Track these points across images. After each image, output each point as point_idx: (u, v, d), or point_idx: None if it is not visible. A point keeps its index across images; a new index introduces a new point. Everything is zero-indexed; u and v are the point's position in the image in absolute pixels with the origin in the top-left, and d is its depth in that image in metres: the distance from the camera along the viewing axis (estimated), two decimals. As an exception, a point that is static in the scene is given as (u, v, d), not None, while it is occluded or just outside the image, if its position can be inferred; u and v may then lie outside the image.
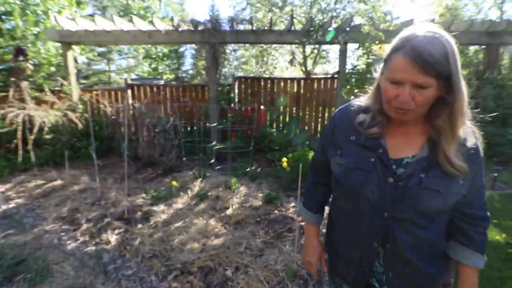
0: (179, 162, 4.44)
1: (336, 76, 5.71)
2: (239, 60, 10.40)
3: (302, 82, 5.99)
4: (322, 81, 5.90)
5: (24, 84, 4.75)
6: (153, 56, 14.27)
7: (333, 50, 9.20)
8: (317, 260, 1.06)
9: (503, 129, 4.47)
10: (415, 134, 0.79)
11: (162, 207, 3.05)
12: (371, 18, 4.34)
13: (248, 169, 4.20)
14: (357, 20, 4.87)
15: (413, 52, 0.65)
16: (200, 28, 5.08)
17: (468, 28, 4.88)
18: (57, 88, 5.50)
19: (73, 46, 5.89)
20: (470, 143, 0.75)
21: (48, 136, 4.46)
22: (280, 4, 7.31)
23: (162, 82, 12.02)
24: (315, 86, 5.88)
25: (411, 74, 0.66)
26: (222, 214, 2.87)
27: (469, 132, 0.76)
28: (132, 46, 12.90)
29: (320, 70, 11.21)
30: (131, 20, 5.14)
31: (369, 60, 4.38)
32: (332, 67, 10.33)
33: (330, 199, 1.01)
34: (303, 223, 2.54)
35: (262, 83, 5.99)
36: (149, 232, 2.55)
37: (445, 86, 0.68)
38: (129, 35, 5.20)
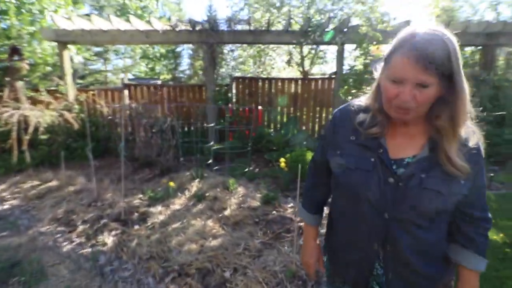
0: (177, 162, 4.42)
1: (333, 76, 5.73)
2: (237, 60, 10.38)
3: (299, 82, 5.99)
4: (320, 82, 5.91)
5: (19, 84, 4.69)
6: (150, 56, 14.21)
7: (331, 51, 9.22)
8: (316, 261, 1.05)
9: (499, 129, 4.50)
10: (416, 134, 0.79)
11: (159, 208, 3.02)
12: (369, 19, 4.35)
13: (246, 170, 4.19)
14: (355, 21, 4.87)
15: (415, 50, 0.64)
16: (197, 28, 5.06)
17: (465, 30, 4.91)
18: (53, 88, 5.45)
19: (69, 46, 5.83)
20: (471, 143, 0.75)
21: (43, 137, 4.41)
22: (278, 4, 7.32)
23: (159, 82, 11.96)
24: (313, 86, 5.89)
25: (412, 73, 0.65)
26: (220, 215, 2.85)
27: (470, 132, 0.76)
28: (129, 46, 12.85)
29: (317, 71, 11.24)
30: (128, 20, 5.11)
31: (367, 61, 4.40)
32: (329, 67, 10.36)
33: (330, 200, 1.00)
34: (301, 224, 2.54)
35: (260, 83, 5.99)
36: (146, 234, 2.53)
37: (446, 85, 0.67)
38: (126, 35, 5.16)
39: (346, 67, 5.12)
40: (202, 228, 2.58)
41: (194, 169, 3.87)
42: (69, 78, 5.38)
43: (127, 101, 5.71)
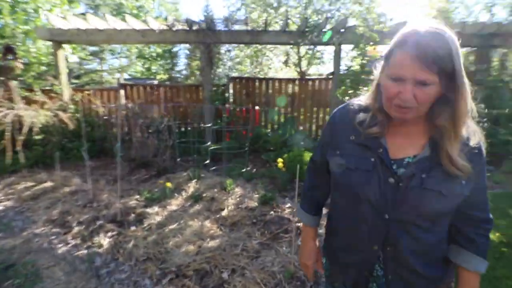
0: (173, 163, 4.39)
1: (330, 77, 5.74)
2: (234, 61, 10.36)
3: (297, 82, 6.00)
4: (317, 82, 5.92)
5: (13, 83, 4.63)
6: (146, 56, 14.12)
7: (328, 51, 9.25)
8: (314, 262, 1.04)
9: (494, 129, 4.55)
10: (416, 133, 0.78)
11: (156, 209, 2.99)
12: (365, 19, 4.37)
13: (243, 170, 4.18)
14: (352, 22, 4.89)
15: (416, 48, 0.64)
16: (195, 27, 5.04)
17: (460, 31, 4.95)
18: (47, 88, 5.39)
19: (65, 45, 5.77)
20: (473, 142, 0.74)
21: (38, 137, 4.35)
22: (275, 4, 7.31)
23: (155, 82, 11.90)
24: (310, 86, 5.90)
25: (413, 70, 0.64)
26: (218, 216, 2.84)
27: (472, 132, 0.75)
28: (125, 46, 12.75)
29: (314, 71, 11.26)
30: (124, 19, 5.07)
31: (363, 61, 4.42)
32: (326, 68, 10.39)
33: (329, 201, 1.00)
34: (299, 224, 2.53)
35: (257, 83, 5.98)
36: (143, 235, 2.50)
37: (447, 84, 0.67)
38: (122, 34, 5.12)
39: (343, 68, 5.14)
40: (200, 229, 2.56)
41: (191, 170, 3.85)
42: (64, 77, 5.32)
43: (123, 101, 5.66)
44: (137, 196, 3.32)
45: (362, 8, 4.63)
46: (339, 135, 0.86)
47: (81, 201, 3.17)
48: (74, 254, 2.31)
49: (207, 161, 4.36)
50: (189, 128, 5.71)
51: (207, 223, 2.68)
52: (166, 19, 5.23)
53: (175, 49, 13.20)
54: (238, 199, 3.18)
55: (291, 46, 7.51)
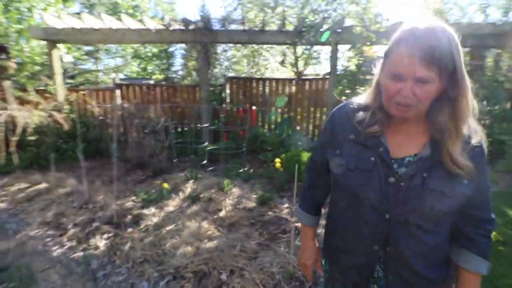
0: (170, 163, 4.36)
1: (327, 77, 5.75)
2: (230, 61, 10.35)
3: (294, 82, 6.00)
4: (314, 82, 5.92)
5: (7, 83, 4.56)
6: (142, 56, 14.03)
7: (324, 51, 9.26)
8: (313, 263, 1.04)
9: (490, 129, 4.60)
10: (417, 132, 0.77)
11: (153, 210, 2.97)
12: (362, 19, 4.39)
13: (241, 170, 4.16)
14: (348, 22, 4.90)
15: (416, 45, 0.63)
16: (191, 27, 5.01)
17: (455, 32, 5.00)
18: (41, 88, 5.31)
19: (59, 45, 5.70)
20: (474, 141, 0.73)
21: (32, 138, 4.29)
22: (272, 4, 7.31)
23: (151, 82, 11.82)
24: (307, 86, 5.90)
25: (413, 68, 0.64)
26: (215, 216, 2.82)
27: (473, 130, 0.74)
28: (120, 45, 12.64)
29: (311, 71, 11.28)
30: (119, 18, 5.02)
31: (360, 61, 4.43)
32: (323, 68, 10.41)
33: (329, 201, 0.99)
34: (297, 224, 2.52)
35: (254, 83, 5.97)
36: (139, 236, 2.48)
37: (448, 82, 0.66)
38: (117, 34, 5.07)
39: (340, 68, 5.15)
40: (197, 230, 2.54)
41: (188, 170, 3.82)
42: (58, 77, 5.25)
43: (119, 101, 5.61)
44: (134, 197, 3.29)
45: (358, 8, 4.65)
46: (339, 135, 0.85)
47: (77, 203, 3.13)
48: (69, 256, 2.27)
49: (205, 162, 4.34)
50: (186, 129, 5.68)
51: (205, 224, 2.66)
52: (162, 18, 5.19)
53: (171, 49, 13.13)
54: (235, 199, 3.17)
55: (288, 46, 7.52)
